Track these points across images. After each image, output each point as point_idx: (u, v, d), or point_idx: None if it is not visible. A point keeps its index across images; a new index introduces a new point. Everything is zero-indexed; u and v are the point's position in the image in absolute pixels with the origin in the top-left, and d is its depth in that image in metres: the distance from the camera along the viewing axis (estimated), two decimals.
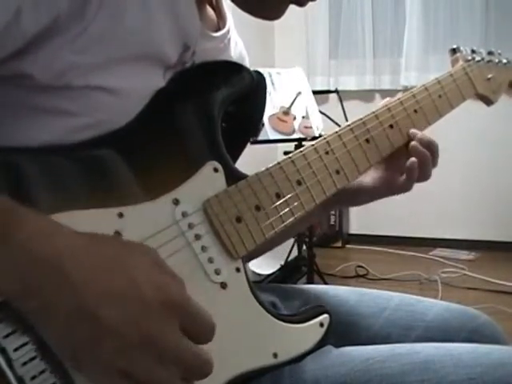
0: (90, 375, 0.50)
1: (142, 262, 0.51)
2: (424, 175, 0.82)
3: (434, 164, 0.83)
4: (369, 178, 0.84)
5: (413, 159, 0.80)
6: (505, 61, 0.98)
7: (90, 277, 0.48)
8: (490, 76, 0.94)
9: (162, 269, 0.53)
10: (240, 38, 0.83)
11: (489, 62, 0.95)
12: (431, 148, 0.81)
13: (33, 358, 0.50)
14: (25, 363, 0.49)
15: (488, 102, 0.96)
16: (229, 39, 0.77)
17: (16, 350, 0.49)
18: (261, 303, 0.65)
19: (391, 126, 0.79)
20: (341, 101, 2.60)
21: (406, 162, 0.80)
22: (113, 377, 0.49)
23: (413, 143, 0.81)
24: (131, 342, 0.48)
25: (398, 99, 0.81)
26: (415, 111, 0.82)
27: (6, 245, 0.47)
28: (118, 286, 0.49)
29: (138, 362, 0.49)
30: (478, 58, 0.93)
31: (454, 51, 0.94)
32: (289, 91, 2.39)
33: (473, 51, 0.94)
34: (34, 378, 0.49)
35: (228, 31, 0.76)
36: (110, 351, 0.48)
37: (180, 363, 0.50)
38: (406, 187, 0.83)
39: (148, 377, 0.49)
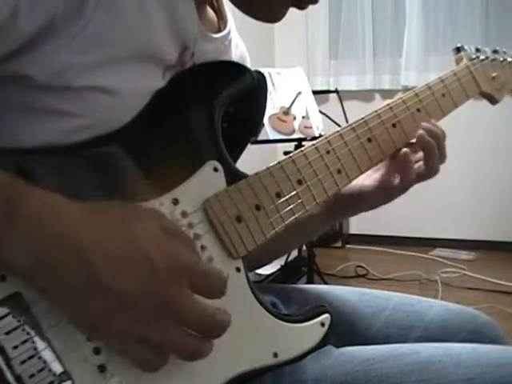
0: (110, 343, 0.52)
1: (149, 228, 0.53)
2: (431, 169, 0.79)
3: (442, 158, 0.79)
4: (367, 181, 0.82)
5: (405, 149, 0.77)
6: (510, 59, 0.97)
7: (99, 248, 0.50)
8: (494, 74, 0.93)
9: (170, 232, 0.54)
10: (241, 39, 0.83)
11: (493, 60, 0.94)
12: (437, 138, 0.79)
13: (31, 356, 0.50)
14: (23, 361, 0.50)
15: (493, 100, 0.95)
16: (229, 41, 0.76)
17: (15, 347, 0.49)
18: (261, 303, 0.65)
19: (394, 125, 0.78)
20: (341, 101, 2.60)
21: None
22: (131, 344, 0.51)
23: (420, 131, 0.78)
24: (144, 309, 0.50)
25: (401, 98, 0.80)
26: (418, 110, 0.81)
27: (16, 218, 0.48)
28: (127, 255, 0.50)
29: (154, 328, 0.51)
30: (482, 57, 0.93)
31: (458, 50, 0.93)
32: (289, 91, 2.39)
33: (477, 50, 0.94)
34: (32, 376, 0.50)
35: (229, 33, 0.76)
36: (125, 320, 0.50)
37: (198, 324, 0.52)
38: (402, 186, 0.79)
39: (166, 341, 0.52)
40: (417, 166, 0.79)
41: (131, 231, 0.52)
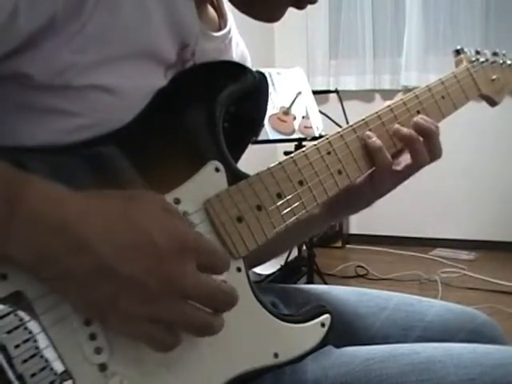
0: (120, 328, 0.53)
1: (150, 210, 0.53)
2: (415, 161, 0.76)
3: (435, 154, 0.77)
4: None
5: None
6: (509, 62, 0.97)
7: (103, 236, 0.50)
8: (494, 77, 0.93)
9: (171, 213, 0.55)
10: (241, 38, 0.83)
11: (493, 62, 0.95)
12: (423, 132, 0.77)
13: (33, 355, 0.50)
14: (25, 360, 0.50)
15: (492, 102, 0.95)
16: (230, 39, 0.77)
17: (17, 346, 0.49)
18: (262, 303, 0.65)
19: None
20: (341, 101, 2.60)
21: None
22: (142, 325, 0.52)
23: (396, 126, 0.77)
24: (152, 289, 0.51)
25: (401, 100, 0.80)
26: (418, 112, 0.80)
27: (16, 214, 0.48)
28: (131, 239, 0.51)
29: (163, 306, 0.51)
30: (482, 59, 0.93)
31: (458, 52, 0.93)
32: (289, 91, 2.39)
33: (477, 52, 0.94)
34: (33, 375, 0.50)
35: (229, 31, 0.76)
36: (134, 302, 0.50)
37: (204, 298, 0.53)
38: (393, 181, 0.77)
39: (175, 317, 0.52)
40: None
41: (134, 214, 0.52)
